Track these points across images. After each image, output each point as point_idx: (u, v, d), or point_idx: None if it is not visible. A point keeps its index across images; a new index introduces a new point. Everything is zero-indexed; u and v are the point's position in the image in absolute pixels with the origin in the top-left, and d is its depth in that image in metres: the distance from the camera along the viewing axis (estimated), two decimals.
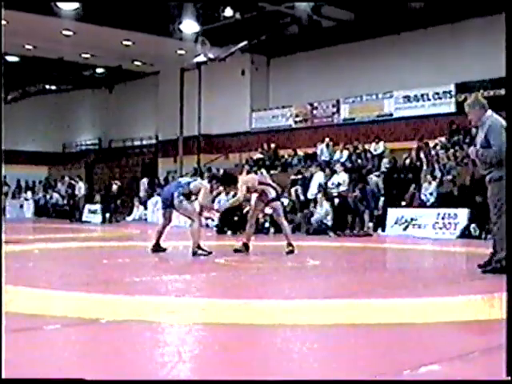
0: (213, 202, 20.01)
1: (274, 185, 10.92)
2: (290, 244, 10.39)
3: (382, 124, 24.26)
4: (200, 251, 9.95)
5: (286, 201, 19.97)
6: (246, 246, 10.60)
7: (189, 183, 10.33)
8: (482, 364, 3.51)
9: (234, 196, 12.29)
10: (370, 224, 17.64)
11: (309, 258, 10.07)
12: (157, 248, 10.41)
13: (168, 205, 10.27)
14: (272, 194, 10.51)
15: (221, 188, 15.80)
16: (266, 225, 17.37)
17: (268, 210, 12.77)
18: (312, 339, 4.19)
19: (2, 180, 27.21)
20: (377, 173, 19.78)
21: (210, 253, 9.97)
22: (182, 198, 10.05)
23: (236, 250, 10.51)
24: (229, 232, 17.20)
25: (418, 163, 19.31)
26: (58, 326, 4.46)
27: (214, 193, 17.62)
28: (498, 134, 7.12)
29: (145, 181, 28.50)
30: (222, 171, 22.45)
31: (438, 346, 3.93)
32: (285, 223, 10.85)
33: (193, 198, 10.47)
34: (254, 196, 10.98)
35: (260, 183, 10.55)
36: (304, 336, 4.25)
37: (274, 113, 28.85)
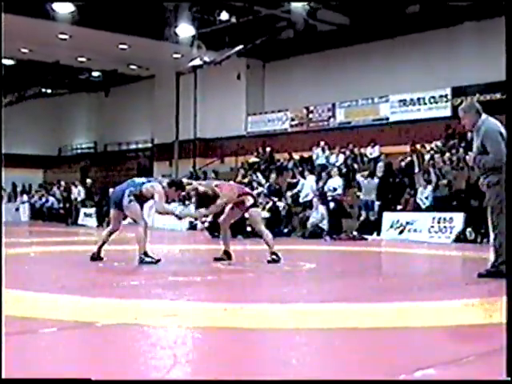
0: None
1: (252, 192, 10.46)
2: (272, 253, 9.65)
3: (378, 128, 24.29)
4: (147, 258, 9.14)
5: (281, 204, 19.99)
6: (227, 254, 9.86)
7: (142, 184, 9.38)
8: (478, 368, 3.51)
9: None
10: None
11: (305, 262, 10.05)
12: (96, 256, 9.61)
13: (117, 204, 9.45)
14: (250, 201, 9.81)
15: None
16: None
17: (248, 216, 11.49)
18: (308, 343, 4.18)
19: (1, 183, 27.14)
20: (365, 173, 19.70)
21: (158, 260, 9.18)
22: (132, 197, 9.23)
23: (217, 259, 9.76)
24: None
25: (413, 167, 19.36)
26: (53, 330, 4.44)
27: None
28: (493, 140, 7.10)
29: None
30: (213, 175, 22.45)
31: (433, 350, 3.93)
32: (264, 230, 9.98)
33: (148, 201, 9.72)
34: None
35: (239, 195, 9.75)
36: (300, 340, 4.23)
37: (269, 116, 28.88)
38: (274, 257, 9.58)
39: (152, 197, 9.36)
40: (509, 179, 5.76)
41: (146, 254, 9.21)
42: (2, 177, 26.88)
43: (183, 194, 10.88)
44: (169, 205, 11.53)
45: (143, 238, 9.27)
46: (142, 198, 9.42)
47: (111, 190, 25.59)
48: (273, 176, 21.98)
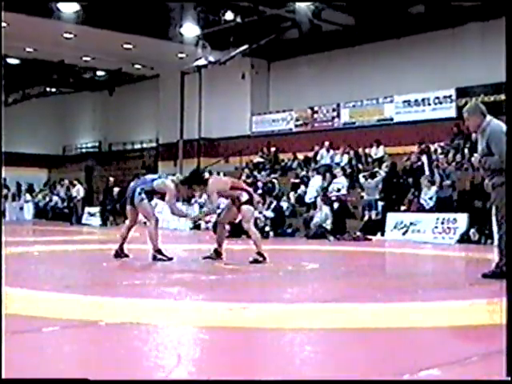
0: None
1: (249, 189, 10.07)
2: (258, 253, 9.41)
3: (383, 128, 24.26)
4: (160, 256, 9.39)
5: (285, 204, 20.01)
6: (216, 253, 9.73)
7: (153, 180, 9.64)
8: (481, 369, 3.51)
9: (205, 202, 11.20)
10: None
11: (308, 262, 10.05)
12: (120, 253, 9.82)
13: (130, 201, 9.67)
14: (244, 197, 9.58)
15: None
16: (267, 228, 17.38)
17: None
18: (311, 343, 4.18)
19: (1, 182, 27.18)
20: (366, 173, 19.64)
21: (170, 258, 9.40)
22: (143, 196, 9.44)
23: (206, 257, 9.64)
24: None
25: (419, 167, 19.28)
26: (56, 328, 4.45)
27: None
28: (498, 142, 7.09)
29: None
30: (221, 174, 22.43)
31: (437, 351, 3.93)
32: (253, 229, 9.73)
33: (155, 197, 9.95)
34: (225, 200, 10.12)
35: (232, 188, 9.58)
36: (303, 340, 4.24)
37: (274, 116, 28.88)
38: (257, 257, 9.40)
39: (165, 194, 9.58)
40: (509, 180, 5.75)
41: (159, 251, 9.45)
42: (3, 175, 26.93)
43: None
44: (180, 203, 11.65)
45: (154, 235, 9.51)
46: (155, 194, 9.72)
47: (116, 189, 25.85)
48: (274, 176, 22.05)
